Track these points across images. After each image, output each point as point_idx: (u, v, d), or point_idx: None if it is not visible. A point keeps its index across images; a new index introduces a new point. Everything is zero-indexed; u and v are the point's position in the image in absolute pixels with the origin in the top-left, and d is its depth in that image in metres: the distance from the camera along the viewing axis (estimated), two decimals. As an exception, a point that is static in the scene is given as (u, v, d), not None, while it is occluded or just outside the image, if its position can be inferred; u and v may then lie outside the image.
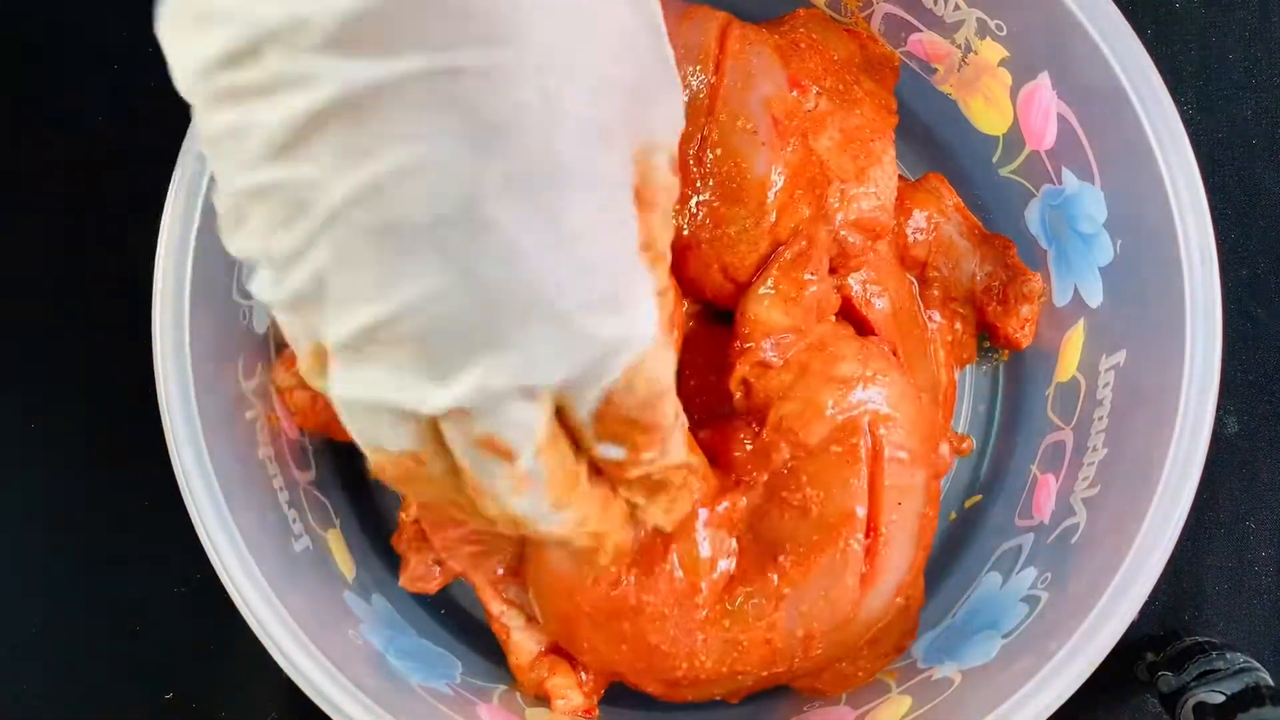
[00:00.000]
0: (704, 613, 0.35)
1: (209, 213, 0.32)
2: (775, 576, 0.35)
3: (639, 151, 0.23)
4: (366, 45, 0.19)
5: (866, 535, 0.35)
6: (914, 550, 0.36)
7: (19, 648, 0.43)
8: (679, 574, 0.34)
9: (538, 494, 0.25)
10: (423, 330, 0.22)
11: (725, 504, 0.35)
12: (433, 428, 0.24)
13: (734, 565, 0.35)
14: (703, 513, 0.35)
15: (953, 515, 0.42)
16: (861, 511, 0.35)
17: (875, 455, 0.35)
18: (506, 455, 0.24)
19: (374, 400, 0.23)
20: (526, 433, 0.24)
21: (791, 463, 0.35)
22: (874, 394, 0.35)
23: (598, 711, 0.37)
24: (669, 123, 0.25)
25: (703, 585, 0.34)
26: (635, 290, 0.24)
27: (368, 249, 0.21)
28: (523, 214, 0.21)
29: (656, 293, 0.24)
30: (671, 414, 0.27)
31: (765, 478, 0.35)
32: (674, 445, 0.28)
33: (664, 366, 0.25)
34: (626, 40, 0.22)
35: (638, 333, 0.23)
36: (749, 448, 0.36)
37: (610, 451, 0.26)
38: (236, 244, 0.23)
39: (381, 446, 0.25)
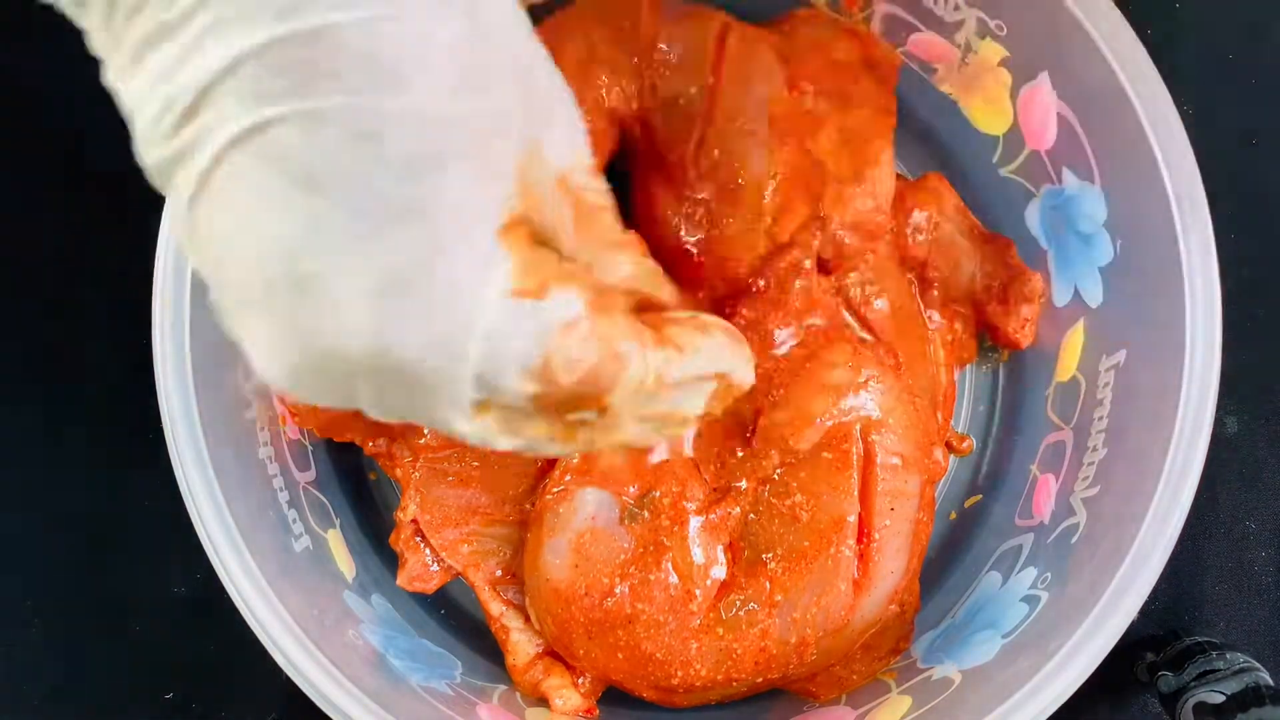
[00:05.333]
0: (697, 620, 0.35)
1: (209, 213, 0.32)
2: (768, 583, 0.35)
3: (521, 170, 0.22)
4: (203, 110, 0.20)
5: (859, 541, 0.35)
6: (908, 556, 0.36)
7: (19, 648, 0.43)
8: (673, 581, 0.34)
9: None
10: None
11: (717, 512, 0.35)
12: None
13: (726, 573, 0.35)
14: (695, 521, 0.35)
15: (953, 515, 0.42)
16: (853, 517, 0.35)
17: (867, 461, 0.35)
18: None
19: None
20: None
21: (783, 469, 0.35)
22: (866, 400, 0.35)
23: (597, 711, 0.37)
24: (566, 143, 0.24)
25: (696, 593, 0.34)
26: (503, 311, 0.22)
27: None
28: (345, 263, 0.20)
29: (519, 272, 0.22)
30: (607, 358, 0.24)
31: (756, 485, 0.35)
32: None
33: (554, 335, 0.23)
34: (478, 71, 0.22)
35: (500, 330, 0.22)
36: (740, 455, 0.36)
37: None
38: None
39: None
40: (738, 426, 0.36)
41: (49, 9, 0.22)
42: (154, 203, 0.32)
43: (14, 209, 0.44)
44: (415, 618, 0.40)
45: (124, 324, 0.43)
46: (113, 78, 0.22)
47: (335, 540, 0.38)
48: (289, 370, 0.22)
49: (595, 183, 0.25)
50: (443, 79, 0.20)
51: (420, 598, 0.40)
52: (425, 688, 0.35)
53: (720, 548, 0.35)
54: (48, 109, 0.44)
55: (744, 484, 0.35)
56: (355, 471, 0.41)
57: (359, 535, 0.40)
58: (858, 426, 0.35)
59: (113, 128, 0.46)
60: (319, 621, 0.33)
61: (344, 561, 0.38)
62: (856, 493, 0.35)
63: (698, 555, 0.35)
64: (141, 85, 0.21)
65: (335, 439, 0.37)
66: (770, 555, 0.35)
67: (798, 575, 0.34)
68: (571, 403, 0.24)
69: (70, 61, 0.44)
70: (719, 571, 0.35)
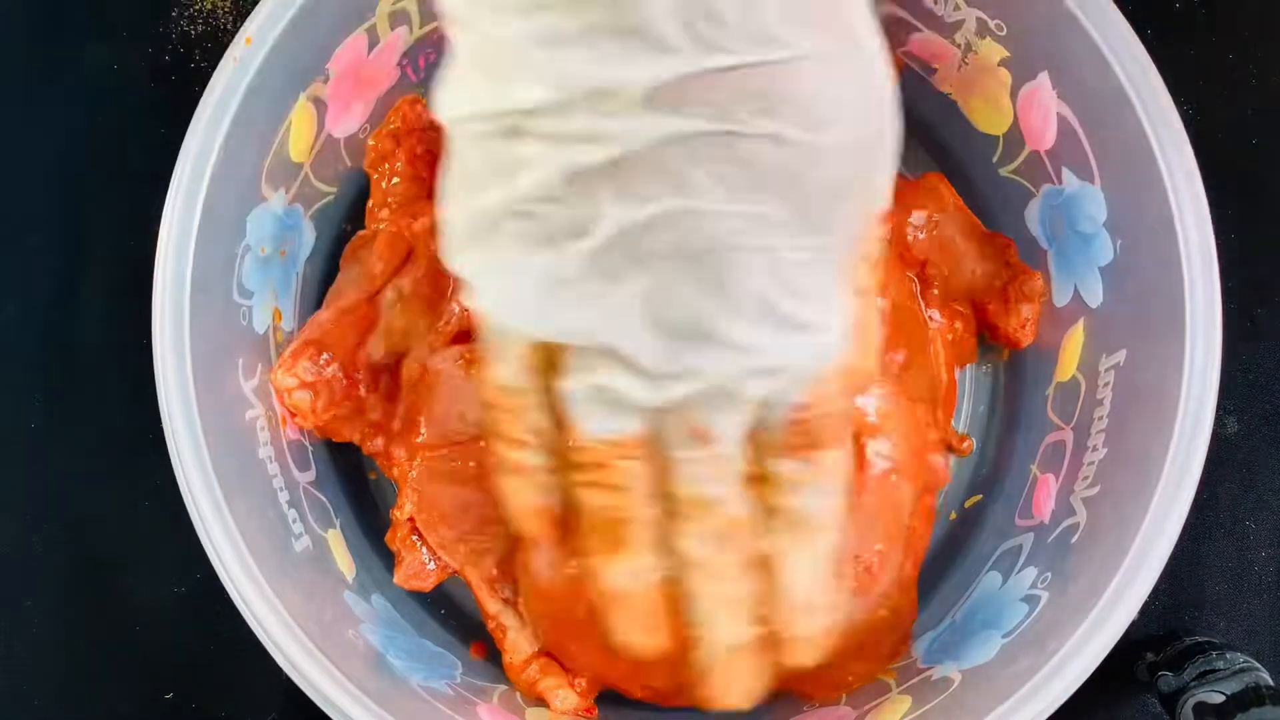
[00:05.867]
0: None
1: (209, 213, 0.32)
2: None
3: (866, 202, 0.26)
4: (667, 105, 0.23)
5: None
6: (899, 563, 0.36)
7: (19, 648, 0.43)
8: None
9: (729, 479, 0.27)
10: (670, 338, 0.25)
11: None
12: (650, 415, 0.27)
13: None
14: None
15: (953, 515, 0.42)
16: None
17: (858, 470, 0.35)
18: (711, 441, 0.27)
19: (616, 394, 0.26)
20: (733, 427, 0.27)
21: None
22: (863, 404, 0.35)
23: (596, 711, 0.37)
24: (887, 177, 0.27)
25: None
26: (843, 317, 0.27)
27: (637, 269, 0.24)
28: (763, 254, 0.24)
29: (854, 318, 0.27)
30: (843, 442, 0.28)
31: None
32: (844, 465, 0.29)
33: (847, 388, 0.28)
34: (872, 104, 0.25)
35: (838, 351, 0.27)
36: None
37: (787, 467, 0.27)
38: (469, 259, 0.26)
39: (601, 432, 0.27)
40: None
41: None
42: (154, 202, 0.32)
43: (13, 208, 0.44)
44: (415, 618, 0.40)
45: (124, 324, 0.43)
46: None
47: (335, 540, 0.38)
48: None
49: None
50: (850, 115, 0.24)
51: (420, 597, 0.40)
52: (425, 688, 0.35)
53: None
54: (48, 108, 0.44)
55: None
56: (355, 471, 0.41)
57: (359, 535, 0.40)
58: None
59: (113, 127, 0.47)
60: (319, 621, 0.33)
61: (344, 561, 0.38)
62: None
63: None
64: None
65: (334, 439, 0.37)
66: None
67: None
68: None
69: (70, 60, 0.44)
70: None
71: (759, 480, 0.28)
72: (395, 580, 0.38)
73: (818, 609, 0.29)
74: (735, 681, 0.29)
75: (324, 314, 0.36)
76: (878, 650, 0.37)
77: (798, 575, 0.28)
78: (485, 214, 0.25)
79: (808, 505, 0.28)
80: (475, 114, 0.24)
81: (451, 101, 0.25)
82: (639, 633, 0.29)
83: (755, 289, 0.25)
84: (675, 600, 0.28)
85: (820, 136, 0.24)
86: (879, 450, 0.35)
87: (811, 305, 0.25)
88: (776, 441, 0.27)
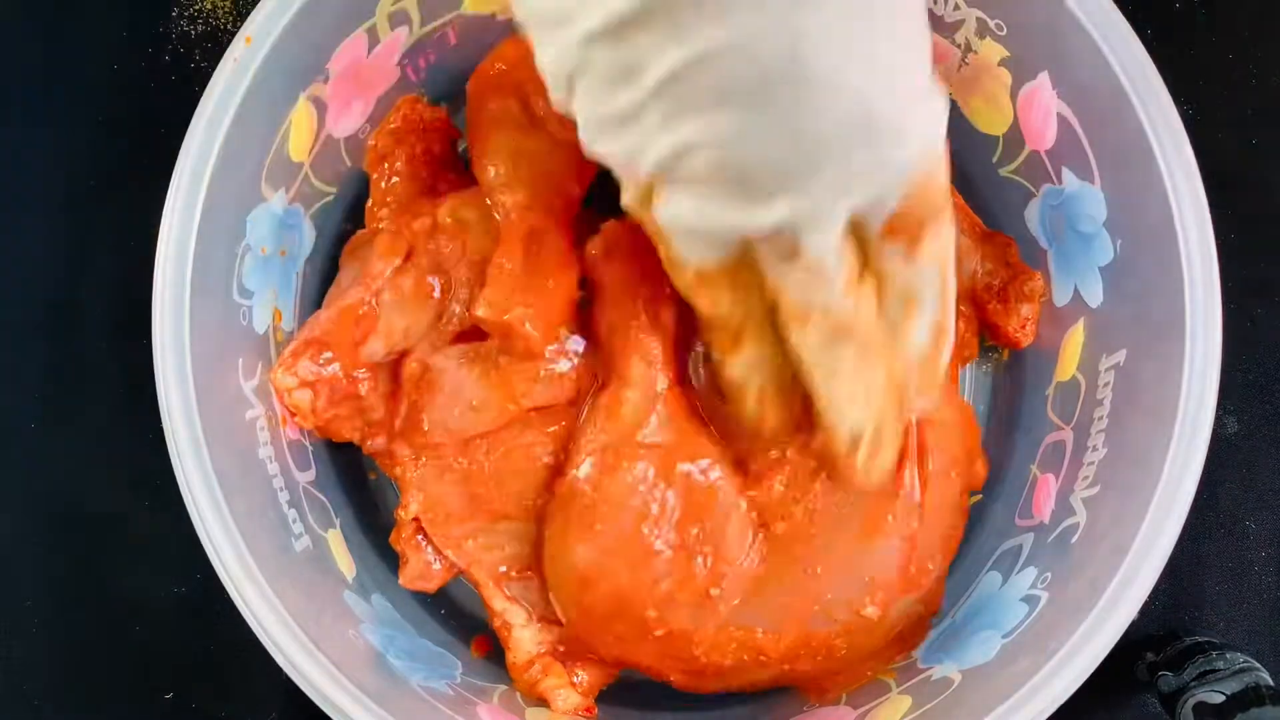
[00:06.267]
0: (735, 602, 0.34)
1: (209, 213, 0.32)
2: (805, 570, 0.35)
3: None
4: None
5: (906, 538, 0.35)
6: (942, 560, 0.36)
7: (19, 648, 0.43)
8: (707, 563, 0.34)
9: (833, 286, 0.28)
10: (749, 161, 0.25)
11: (754, 493, 0.35)
12: (745, 244, 0.28)
13: (762, 556, 0.35)
14: (731, 500, 0.35)
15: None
16: (907, 514, 0.35)
17: (921, 458, 0.35)
18: (814, 268, 0.27)
19: (699, 223, 0.27)
20: (832, 244, 0.27)
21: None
22: (925, 405, 0.35)
23: (596, 710, 0.37)
24: None
25: (728, 574, 0.34)
26: (935, 107, 0.27)
27: (702, 104, 0.24)
28: (839, 60, 0.24)
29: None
30: (948, 206, 0.29)
31: (801, 468, 0.35)
32: (946, 234, 0.29)
33: (943, 177, 0.28)
34: None
35: (935, 146, 0.27)
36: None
37: (894, 251, 0.28)
38: (565, 105, 0.27)
39: (689, 261, 0.29)
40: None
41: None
42: (154, 202, 0.32)
43: (13, 209, 0.44)
44: (416, 617, 0.40)
45: (124, 324, 0.43)
46: None
47: (335, 540, 0.38)
48: None
49: None
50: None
51: (421, 597, 0.40)
52: (425, 688, 0.35)
53: (756, 530, 0.35)
54: (48, 108, 0.44)
55: (785, 471, 0.35)
56: (355, 471, 0.41)
57: (359, 535, 0.40)
58: (913, 419, 0.35)
59: (113, 127, 0.47)
60: (319, 621, 0.33)
61: (344, 561, 0.38)
62: (911, 488, 0.35)
63: (733, 537, 0.34)
64: None
65: (334, 439, 0.37)
66: (811, 542, 0.35)
67: (843, 565, 0.34)
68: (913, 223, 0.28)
69: (70, 60, 0.44)
70: (755, 554, 0.35)
71: (866, 269, 0.29)
72: (401, 581, 0.38)
73: (937, 368, 0.31)
74: (872, 457, 0.31)
75: (324, 313, 0.36)
76: (899, 643, 0.37)
77: (913, 341, 0.30)
78: (558, 62, 0.26)
79: (915, 281, 0.29)
80: None
81: None
82: (770, 409, 0.32)
83: (834, 99, 0.24)
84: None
85: None
86: (941, 444, 0.35)
87: (891, 103, 0.25)
88: (876, 235, 0.28)
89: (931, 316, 0.30)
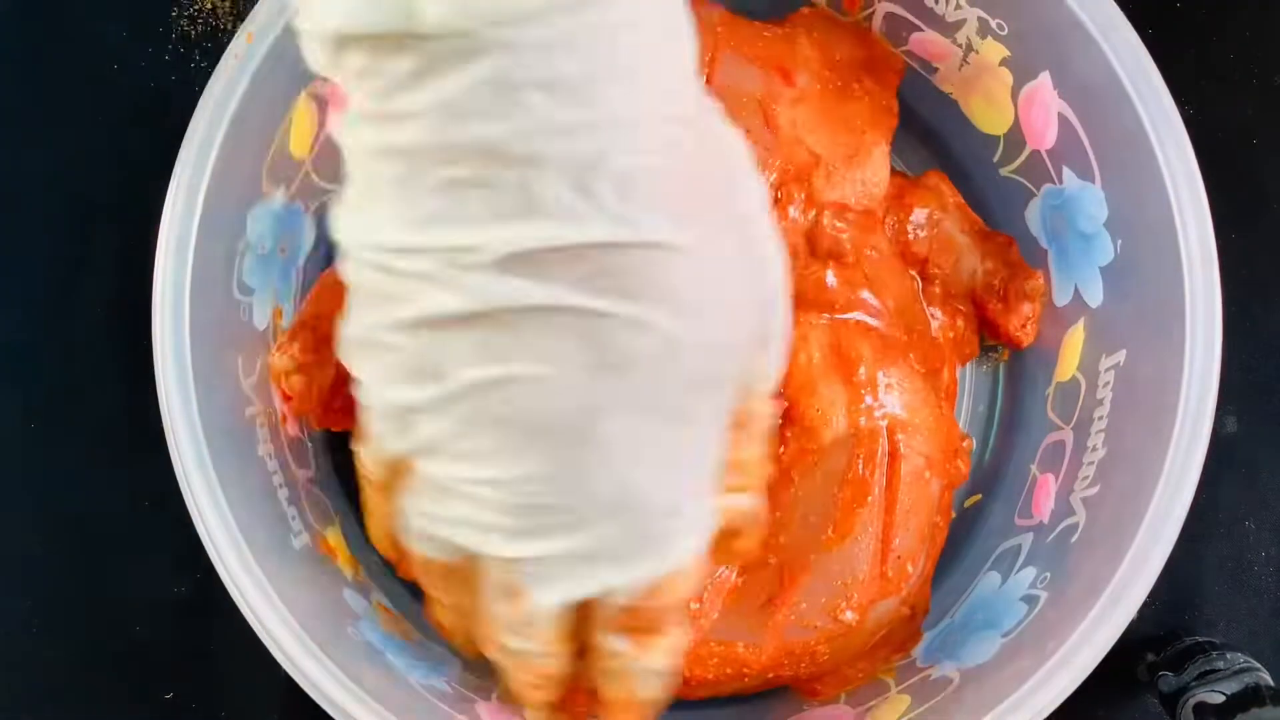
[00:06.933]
0: (714, 616, 0.34)
1: (209, 212, 0.32)
2: (783, 580, 0.35)
3: (742, 389, 0.26)
4: (525, 271, 0.22)
5: (880, 542, 0.35)
6: (923, 561, 0.36)
7: (19, 648, 0.43)
8: None
9: (533, 641, 0.26)
10: (515, 501, 0.24)
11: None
12: (472, 559, 0.26)
13: (735, 573, 0.35)
14: None
15: (952, 515, 0.42)
16: (876, 519, 0.35)
17: (892, 460, 0.35)
18: (526, 611, 0.26)
19: (446, 534, 0.25)
20: (558, 600, 0.25)
21: (805, 465, 0.35)
22: (894, 399, 0.35)
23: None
24: (773, 364, 0.27)
25: (706, 587, 0.34)
26: (702, 512, 0.26)
27: (489, 424, 0.23)
28: (626, 437, 0.23)
29: (717, 511, 0.27)
30: (680, 624, 0.27)
31: (774, 478, 0.35)
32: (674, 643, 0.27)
33: (696, 582, 0.26)
34: (754, 306, 0.25)
35: (691, 551, 0.25)
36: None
37: (615, 643, 0.26)
38: (357, 368, 0.26)
39: (424, 551, 0.27)
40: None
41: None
42: (154, 202, 0.32)
43: (13, 208, 0.44)
44: (416, 615, 0.40)
45: (124, 324, 0.43)
46: None
47: (335, 537, 0.38)
48: None
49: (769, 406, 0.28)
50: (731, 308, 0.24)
51: (420, 595, 0.40)
52: (425, 685, 0.35)
53: None
54: (48, 109, 0.44)
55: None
56: (354, 468, 0.41)
57: (359, 532, 0.40)
58: (884, 424, 0.35)
59: (113, 127, 0.46)
60: (319, 619, 0.33)
61: (344, 559, 0.38)
62: (881, 492, 0.35)
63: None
64: None
65: (334, 428, 0.37)
66: (786, 552, 0.35)
67: (815, 573, 0.34)
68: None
69: (70, 60, 0.44)
70: (730, 568, 0.35)
71: (583, 640, 0.27)
72: (399, 573, 0.37)
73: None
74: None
75: (317, 290, 0.36)
76: (889, 645, 0.37)
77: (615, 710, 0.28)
78: (369, 330, 0.24)
79: (633, 672, 0.27)
80: (352, 242, 0.24)
81: (337, 223, 0.24)
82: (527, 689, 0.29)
83: (606, 479, 0.23)
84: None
85: (686, 331, 0.23)
86: (914, 446, 0.35)
87: (663, 501, 0.24)
88: (607, 617, 0.26)
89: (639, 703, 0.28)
